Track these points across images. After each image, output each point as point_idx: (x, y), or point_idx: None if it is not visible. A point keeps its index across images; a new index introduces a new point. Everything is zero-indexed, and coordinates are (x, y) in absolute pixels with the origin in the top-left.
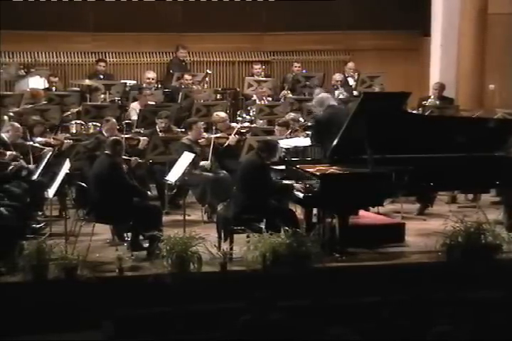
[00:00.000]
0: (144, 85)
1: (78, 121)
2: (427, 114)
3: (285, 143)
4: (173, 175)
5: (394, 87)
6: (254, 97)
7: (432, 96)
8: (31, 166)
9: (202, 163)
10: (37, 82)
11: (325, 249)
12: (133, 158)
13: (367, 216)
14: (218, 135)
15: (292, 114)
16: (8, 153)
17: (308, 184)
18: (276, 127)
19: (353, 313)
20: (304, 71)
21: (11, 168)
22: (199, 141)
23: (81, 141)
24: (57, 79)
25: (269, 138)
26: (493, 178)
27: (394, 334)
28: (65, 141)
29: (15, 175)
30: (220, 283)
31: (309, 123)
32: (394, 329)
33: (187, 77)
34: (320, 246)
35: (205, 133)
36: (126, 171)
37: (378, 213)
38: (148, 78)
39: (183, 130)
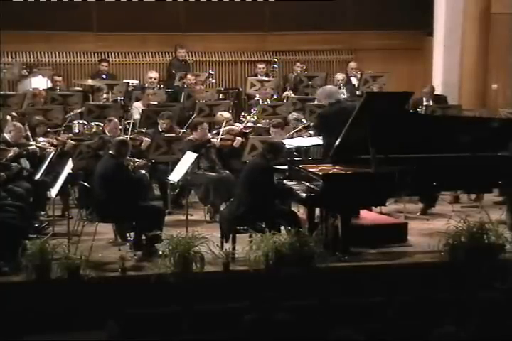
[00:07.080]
0: (147, 85)
1: (81, 121)
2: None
3: (288, 143)
4: (175, 175)
5: (397, 86)
6: (257, 97)
7: (425, 99)
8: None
9: (213, 139)
10: (40, 82)
11: (328, 248)
12: (139, 160)
13: (369, 216)
14: (223, 136)
15: (295, 114)
16: (12, 148)
17: (310, 184)
18: (272, 129)
19: (357, 313)
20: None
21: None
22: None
23: (84, 141)
24: (60, 78)
25: (274, 139)
26: (497, 178)
27: (398, 334)
28: (68, 141)
29: (17, 176)
30: (222, 282)
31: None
32: (398, 330)
33: (190, 77)
34: (323, 246)
35: (209, 134)
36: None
37: (381, 213)
38: (151, 78)
39: (185, 130)
